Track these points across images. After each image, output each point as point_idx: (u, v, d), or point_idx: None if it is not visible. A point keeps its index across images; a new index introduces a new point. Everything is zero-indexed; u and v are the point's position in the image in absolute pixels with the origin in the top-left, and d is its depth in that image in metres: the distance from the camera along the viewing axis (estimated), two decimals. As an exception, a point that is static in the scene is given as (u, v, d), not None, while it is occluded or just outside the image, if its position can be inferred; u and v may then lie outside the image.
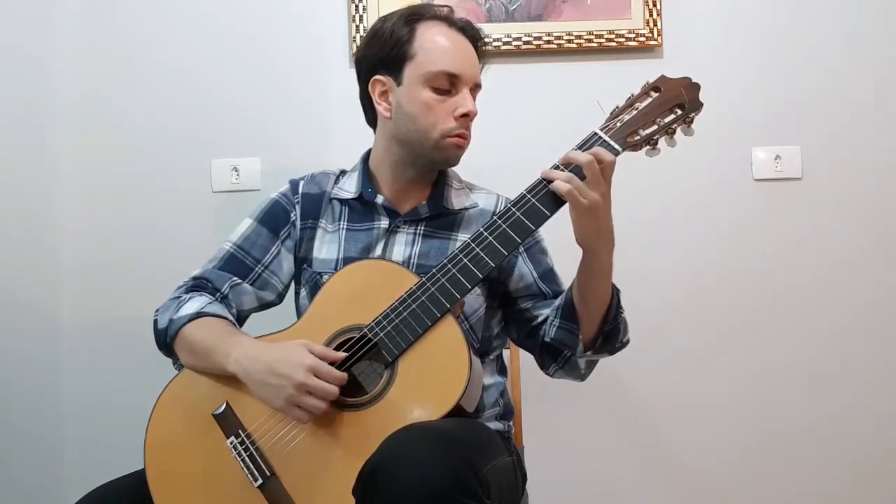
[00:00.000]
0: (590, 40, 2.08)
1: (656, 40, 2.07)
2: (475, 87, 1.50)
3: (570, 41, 2.08)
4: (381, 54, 1.49)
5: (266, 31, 2.11)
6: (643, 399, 2.11)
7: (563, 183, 1.27)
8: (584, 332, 1.41)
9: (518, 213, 1.32)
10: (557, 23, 2.09)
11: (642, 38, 2.07)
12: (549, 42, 2.09)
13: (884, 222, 2.10)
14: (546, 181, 1.31)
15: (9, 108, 2.06)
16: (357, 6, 2.07)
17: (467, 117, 1.46)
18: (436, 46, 1.46)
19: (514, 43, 2.08)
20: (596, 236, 1.31)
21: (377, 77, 1.50)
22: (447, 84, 1.46)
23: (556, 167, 1.32)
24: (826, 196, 2.10)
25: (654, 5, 2.07)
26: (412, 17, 1.49)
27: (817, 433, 2.10)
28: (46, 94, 2.08)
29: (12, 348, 2.04)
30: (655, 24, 2.07)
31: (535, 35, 2.08)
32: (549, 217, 1.31)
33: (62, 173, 2.09)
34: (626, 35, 2.08)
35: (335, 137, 2.07)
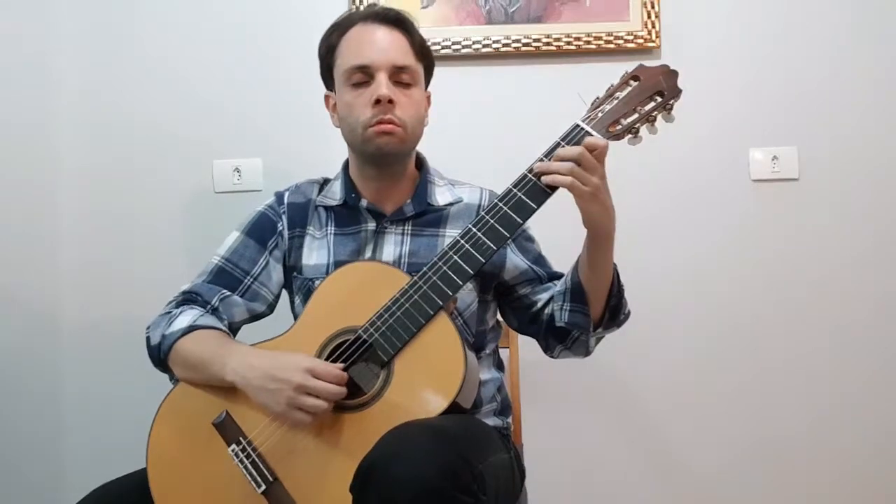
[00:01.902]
0: (588, 42, 2.09)
1: (654, 42, 2.08)
2: (398, 70, 1.48)
3: (568, 43, 2.09)
4: (322, 70, 1.56)
5: (267, 32, 2.11)
6: (642, 398, 2.11)
7: (563, 176, 1.29)
8: (594, 311, 1.43)
9: (505, 208, 1.33)
10: (556, 25, 2.10)
11: (640, 40, 2.08)
12: (547, 44, 2.09)
13: (881, 222, 2.10)
14: (538, 174, 1.32)
15: (10, 108, 2.07)
16: (358, 8, 2.07)
17: (380, 103, 1.45)
18: (347, 46, 1.50)
19: (514, 45, 2.09)
20: (603, 216, 1.33)
21: (326, 93, 1.57)
22: (361, 77, 1.47)
23: (542, 160, 1.33)
24: (823, 197, 2.11)
25: (653, 7, 2.08)
26: (340, 26, 1.53)
27: (816, 433, 2.10)
28: (47, 94, 2.09)
29: (12, 348, 2.05)
30: (654, 26, 2.08)
31: (534, 37, 2.09)
32: (535, 210, 1.33)
33: (63, 174, 2.10)
34: (625, 37, 2.08)
35: (336, 138, 2.04)
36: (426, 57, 1.55)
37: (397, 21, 1.51)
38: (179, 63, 2.11)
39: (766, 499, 2.10)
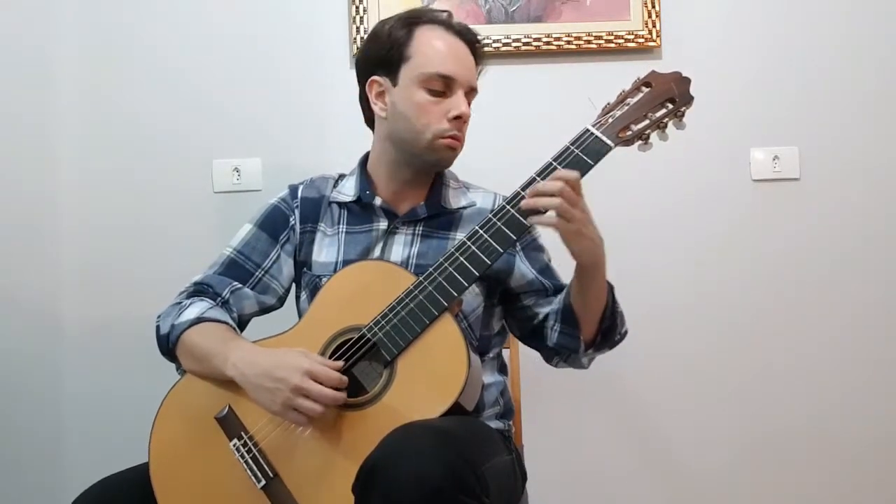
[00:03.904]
0: (589, 41, 2.09)
1: (655, 41, 2.08)
2: (470, 91, 1.51)
3: (569, 42, 2.09)
4: (379, 55, 1.51)
5: (267, 32, 2.11)
6: (643, 399, 2.11)
7: (548, 219, 1.29)
8: (585, 333, 1.43)
9: (513, 211, 1.33)
10: (557, 24, 2.09)
11: (641, 40, 2.08)
12: (548, 43, 2.09)
13: (882, 222, 2.10)
14: (527, 215, 1.31)
15: (10, 108, 2.07)
16: (358, 7, 2.07)
17: (460, 119, 1.47)
18: (432, 49, 1.48)
19: (514, 44, 2.09)
20: (590, 248, 1.33)
21: (374, 77, 1.52)
22: (441, 86, 1.47)
23: (549, 166, 1.33)
24: (824, 197, 2.11)
25: (653, 7, 2.08)
26: (411, 20, 1.51)
27: (816, 433, 2.10)
28: (47, 94, 2.09)
29: (12, 348, 2.05)
30: (654, 26, 2.08)
31: (534, 36, 2.09)
32: (543, 213, 1.32)
33: (63, 174, 2.09)
34: (625, 36, 2.08)
35: (335, 138, 2.08)
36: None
37: (475, 43, 1.53)
38: (179, 63, 2.10)
39: (766, 498, 2.10)
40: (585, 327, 1.42)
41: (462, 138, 1.50)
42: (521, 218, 1.33)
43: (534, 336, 1.53)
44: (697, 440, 2.11)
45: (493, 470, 1.29)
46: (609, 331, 1.44)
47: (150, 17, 2.11)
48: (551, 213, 1.29)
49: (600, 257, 1.35)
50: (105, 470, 1.40)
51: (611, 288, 1.42)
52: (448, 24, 1.51)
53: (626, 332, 1.49)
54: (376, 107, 1.52)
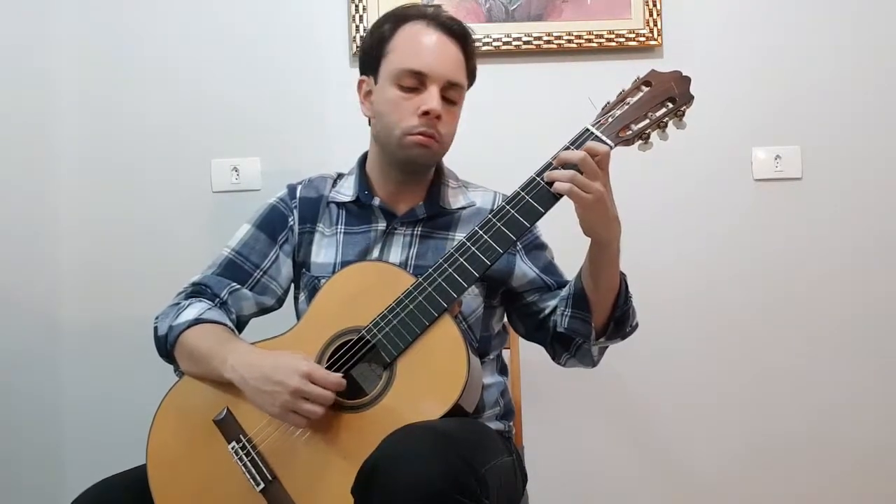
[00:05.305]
0: (590, 40, 2.08)
1: (656, 40, 2.07)
2: (449, 86, 1.47)
3: (570, 41, 2.08)
4: (365, 55, 1.51)
5: (266, 31, 2.11)
6: (643, 399, 2.11)
7: (563, 183, 1.28)
8: (596, 320, 1.41)
9: (513, 212, 1.33)
10: (557, 23, 2.09)
11: (642, 38, 2.08)
12: (549, 42, 2.08)
13: (883, 222, 2.10)
14: (544, 182, 1.31)
15: (9, 107, 2.07)
16: (357, 6, 2.07)
17: (428, 115, 1.44)
18: (406, 44, 1.46)
19: (514, 43, 2.08)
20: (604, 226, 1.32)
21: (362, 77, 1.53)
22: (414, 82, 1.45)
23: (549, 166, 1.32)
24: (826, 196, 2.10)
25: (654, 5, 2.07)
26: (398, 18, 1.49)
27: (816, 433, 2.10)
28: (46, 93, 2.09)
29: (12, 348, 2.05)
30: (655, 24, 2.07)
31: (535, 35, 2.08)
32: (543, 214, 1.32)
33: (62, 173, 2.09)
34: (626, 35, 2.08)
35: (335, 137, 2.07)
36: (472, 77, 1.54)
37: (462, 36, 1.49)
38: (178, 62, 2.10)
39: (765, 499, 2.10)
40: (597, 313, 1.41)
41: (437, 135, 1.45)
42: (520, 218, 1.32)
43: (540, 329, 1.52)
44: (698, 440, 2.10)
45: (493, 471, 1.28)
46: (622, 320, 1.43)
47: (150, 17, 2.10)
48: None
49: (614, 235, 1.34)
50: (103, 471, 1.39)
51: (624, 277, 1.41)
52: (433, 18, 1.48)
53: (637, 325, 1.47)
54: (363, 107, 1.53)
